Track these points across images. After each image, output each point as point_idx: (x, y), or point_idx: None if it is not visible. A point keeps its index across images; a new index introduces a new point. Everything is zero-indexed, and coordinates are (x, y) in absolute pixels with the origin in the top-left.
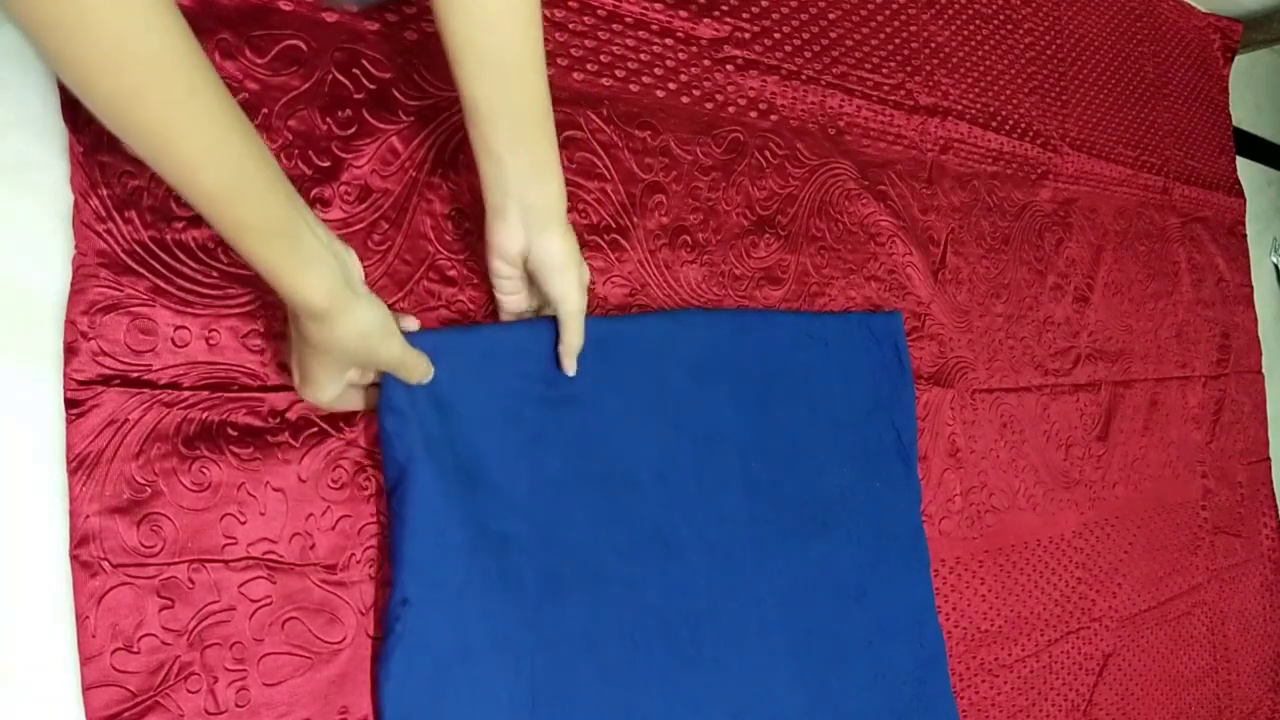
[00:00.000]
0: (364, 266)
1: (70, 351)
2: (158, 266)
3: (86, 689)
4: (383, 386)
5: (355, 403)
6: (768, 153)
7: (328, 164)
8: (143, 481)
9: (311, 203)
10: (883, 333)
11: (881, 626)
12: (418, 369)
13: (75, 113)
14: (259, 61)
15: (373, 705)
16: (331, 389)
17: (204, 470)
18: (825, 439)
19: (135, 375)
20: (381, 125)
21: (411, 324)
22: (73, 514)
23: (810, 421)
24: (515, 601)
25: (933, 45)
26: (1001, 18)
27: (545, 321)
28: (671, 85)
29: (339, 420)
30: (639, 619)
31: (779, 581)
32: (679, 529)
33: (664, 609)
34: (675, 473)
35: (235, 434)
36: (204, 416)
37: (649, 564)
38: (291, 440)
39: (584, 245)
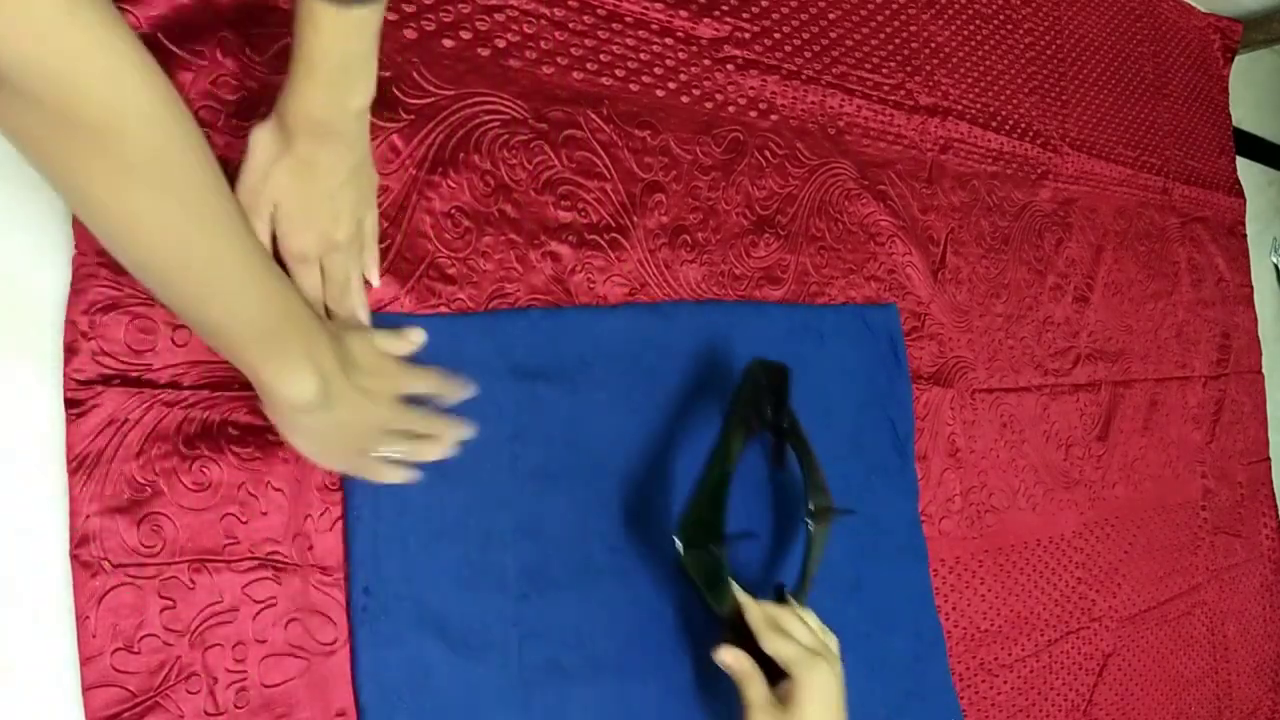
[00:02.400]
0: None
1: (70, 351)
2: None
3: (86, 689)
4: None
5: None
6: (767, 152)
7: None
8: (143, 481)
9: None
10: (878, 325)
11: (878, 617)
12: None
13: None
14: (258, 59)
15: (354, 703)
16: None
17: (204, 470)
18: (820, 431)
19: (135, 375)
20: (381, 123)
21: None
22: (73, 514)
23: (804, 413)
24: (498, 596)
25: (933, 45)
26: (1001, 18)
27: (516, 312)
28: (671, 85)
29: None
30: (630, 611)
31: (773, 572)
32: (672, 520)
33: (656, 601)
34: (668, 464)
35: (236, 433)
36: (204, 416)
37: (640, 556)
38: None
39: (584, 244)
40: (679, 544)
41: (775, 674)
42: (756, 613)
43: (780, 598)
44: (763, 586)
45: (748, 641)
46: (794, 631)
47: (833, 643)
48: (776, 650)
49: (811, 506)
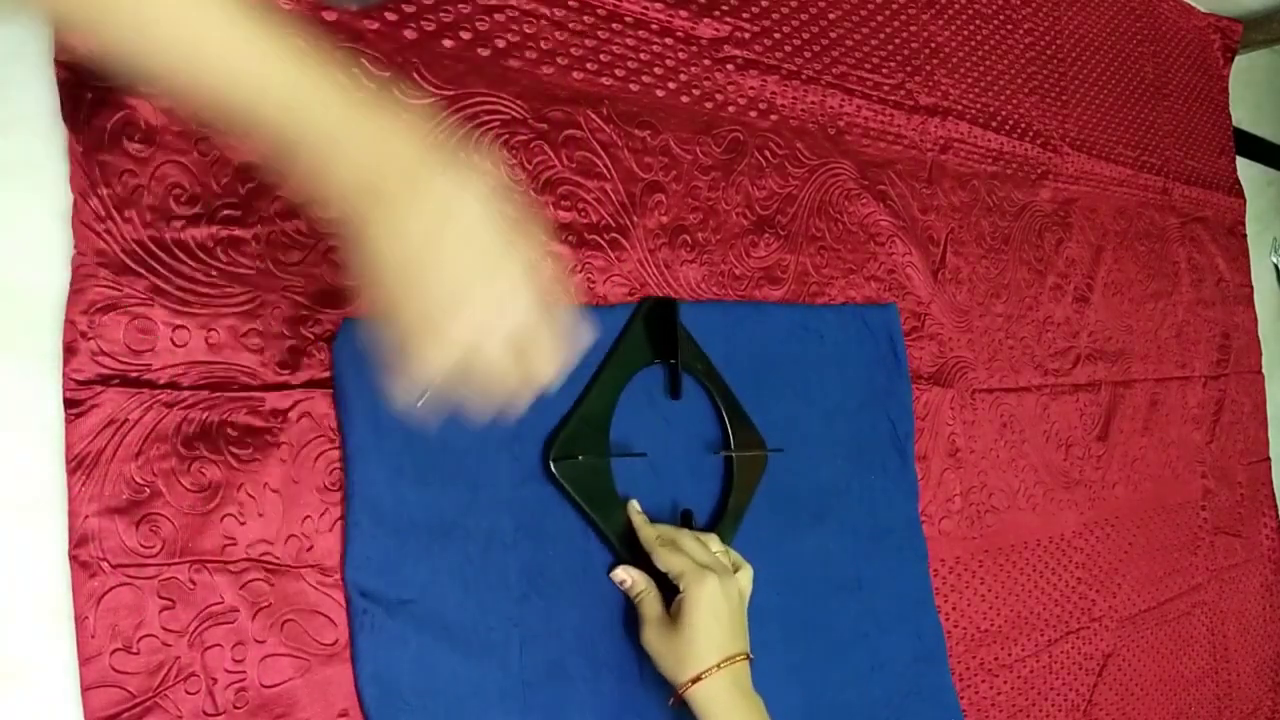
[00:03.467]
0: None
1: (69, 351)
2: (157, 266)
3: (86, 689)
4: (335, 362)
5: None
6: (767, 152)
7: None
8: (142, 482)
9: (308, 201)
10: (878, 325)
11: (877, 618)
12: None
13: (75, 113)
14: None
15: (358, 704)
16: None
17: (203, 471)
18: (819, 431)
19: (134, 375)
20: None
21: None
22: (72, 514)
23: (804, 413)
24: (499, 596)
25: (933, 45)
26: (1001, 18)
27: None
28: (671, 85)
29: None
30: (631, 611)
31: (773, 573)
32: (671, 520)
33: None
34: (667, 465)
35: (235, 434)
36: (203, 416)
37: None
38: (291, 441)
39: (584, 244)
40: (551, 464)
41: (674, 594)
42: (648, 531)
43: (686, 525)
44: (669, 519)
45: (646, 566)
46: (687, 548)
47: (744, 574)
48: (667, 565)
49: (734, 440)
